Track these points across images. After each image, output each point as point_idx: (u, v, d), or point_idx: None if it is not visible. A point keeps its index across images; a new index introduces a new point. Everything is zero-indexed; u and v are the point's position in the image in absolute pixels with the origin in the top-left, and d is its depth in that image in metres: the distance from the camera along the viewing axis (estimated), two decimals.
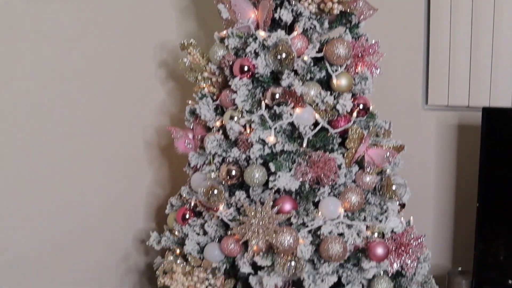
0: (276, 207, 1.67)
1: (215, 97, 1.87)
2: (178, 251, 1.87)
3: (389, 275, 1.76)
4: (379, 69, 1.83)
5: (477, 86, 2.43)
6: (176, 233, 1.93)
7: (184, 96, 2.33)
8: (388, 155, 1.73)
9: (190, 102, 1.95)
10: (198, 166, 1.86)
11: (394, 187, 1.75)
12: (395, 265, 1.77)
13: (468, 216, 2.49)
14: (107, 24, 2.03)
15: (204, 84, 1.89)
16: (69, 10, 1.87)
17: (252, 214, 1.65)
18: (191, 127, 1.92)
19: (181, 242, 1.90)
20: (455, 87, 2.49)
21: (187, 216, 1.89)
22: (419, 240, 1.81)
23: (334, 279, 1.70)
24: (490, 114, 2.23)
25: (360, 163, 1.77)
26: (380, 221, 1.79)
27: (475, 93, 2.45)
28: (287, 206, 1.68)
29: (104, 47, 2.02)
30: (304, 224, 1.69)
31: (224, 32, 1.83)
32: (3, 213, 1.71)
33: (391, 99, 2.58)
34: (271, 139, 1.67)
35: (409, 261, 1.79)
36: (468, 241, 2.47)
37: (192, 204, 1.88)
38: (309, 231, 1.67)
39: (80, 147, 1.94)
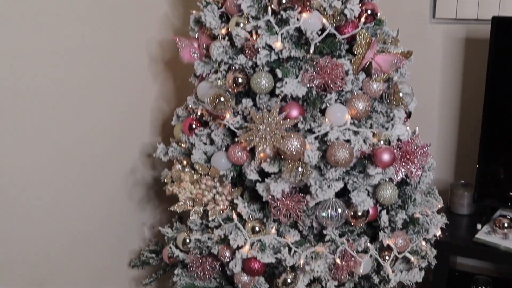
0: (283, 113, 1.66)
1: (220, 5, 1.82)
2: (185, 162, 1.88)
3: (394, 182, 1.78)
4: None
5: None
6: (183, 144, 1.94)
7: (187, 8, 2.27)
8: (395, 61, 1.71)
9: (194, 11, 1.91)
10: (204, 75, 1.84)
11: (401, 94, 1.74)
12: (400, 173, 1.79)
13: (472, 130, 2.50)
14: None
15: None
16: None
17: (259, 120, 1.64)
18: (196, 36, 1.89)
19: (188, 153, 1.91)
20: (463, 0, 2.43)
21: (194, 126, 1.89)
22: (424, 149, 1.82)
23: (340, 185, 1.71)
24: (500, 24, 2.19)
25: (367, 71, 1.75)
26: (386, 129, 1.79)
27: (485, 5, 2.40)
28: (294, 112, 1.68)
29: None
30: (311, 131, 1.69)
31: None
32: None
33: (398, 11, 2.53)
34: (278, 45, 1.65)
35: (414, 169, 1.81)
36: (471, 155, 2.49)
37: (199, 114, 1.88)
38: (316, 137, 1.67)
39: (84, 64, 1.91)
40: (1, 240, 1.70)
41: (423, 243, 1.94)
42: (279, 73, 1.66)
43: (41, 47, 1.73)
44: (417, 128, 1.90)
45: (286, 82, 1.65)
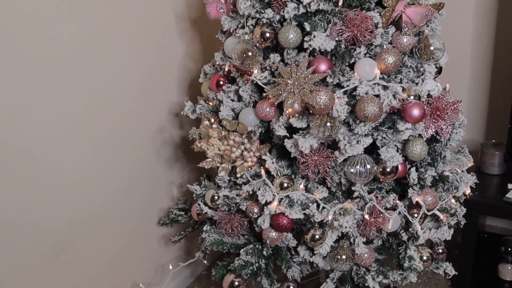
0: (312, 67, 1.64)
1: None
2: (213, 119, 1.88)
3: (424, 139, 1.75)
4: None
5: None
6: (211, 101, 1.94)
7: None
8: (427, 13, 1.67)
9: None
10: (231, 31, 1.83)
11: (432, 48, 1.70)
12: (430, 129, 1.76)
13: (505, 88, 2.44)
14: None
15: None
16: None
17: (287, 74, 1.63)
18: None
19: (215, 110, 1.91)
20: None
21: (221, 82, 1.88)
22: (455, 105, 1.78)
23: (369, 140, 1.69)
24: None
25: (397, 24, 1.71)
26: (417, 84, 1.76)
27: None
28: (323, 66, 1.66)
29: None
30: (339, 85, 1.66)
31: None
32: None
33: None
34: None
35: (444, 126, 1.78)
36: (503, 114, 2.44)
37: (226, 70, 1.87)
38: (345, 92, 1.65)
39: (112, 23, 1.91)
40: (34, 199, 1.73)
41: (453, 200, 1.91)
42: (307, 26, 1.63)
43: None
44: (447, 85, 1.86)
45: (314, 36, 1.62)
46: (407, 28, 1.69)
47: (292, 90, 1.62)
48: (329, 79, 1.65)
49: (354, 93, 1.65)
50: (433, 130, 1.77)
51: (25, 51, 1.62)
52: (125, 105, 2.03)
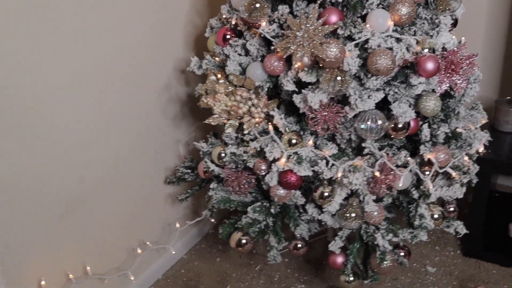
0: (322, 19, 1.57)
1: None
2: (219, 75, 1.83)
3: (438, 94, 1.69)
4: None
5: None
6: (217, 57, 1.88)
7: None
8: None
9: None
10: None
11: None
12: (444, 84, 1.70)
13: None
14: None
15: None
16: None
17: (297, 26, 1.56)
18: None
19: (222, 65, 1.85)
20: None
21: (228, 36, 1.82)
22: (470, 59, 1.72)
23: (381, 95, 1.64)
24: None
25: None
26: (431, 36, 1.69)
27: None
28: (334, 18, 1.59)
29: None
30: (350, 38, 1.60)
31: None
32: None
33: None
34: None
35: (459, 81, 1.72)
36: None
37: (233, 24, 1.80)
38: (356, 45, 1.59)
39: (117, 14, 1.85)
40: (44, 156, 1.70)
41: (466, 158, 1.86)
42: None
43: None
44: (463, 38, 1.80)
45: None
46: None
47: (301, 43, 1.56)
48: (340, 31, 1.59)
49: (366, 46, 1.59)
50: (447, 84, 1.70)
51: (32, 8, 1.57)
52: (130, 62, 1.98)
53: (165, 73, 2.18)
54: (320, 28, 1.55)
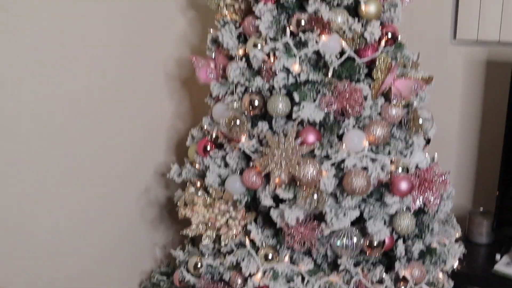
0: (300, 138, 1.62)
1: (237, 25, 1.80)
2: (199, 183, 1.85)
3: (412, 211, 1.73)
4: None
5: (509, 20, 2.33)
6: (197, 165, 1.91)
7: (205, 25, 2.25)
8: (416, 86, 1.67)
9: (211, 30, 1.89)
10: (220, 96, 1.81)
11: (420, 121, 1.70)
12: (418, 201, 1.74)
13: (493, 156, 2.44)
14: None
15: (226, 11, 1.82)
16: None
17: (275, 145, 1.61)
18: (213, 56, 1.86)
19: (202, 175, 1.88)
20: (485, 21, 2.38)
21: (208, 147, 1.86)
22: (443, 176, 1.77)
23: (356, 213, 1.67)
24: None
25: (386, 96, 1.71)
26: (405, 156, 1.74)
27: (507, 27, 2.35)
28: (311, 138, 1.64)
29: None
30: (327, 157, 1.65)
31: None
32: None
33: (418, 32, 2.49)
34: (295, 68, 1.61)
35: (432, 198, 1.76)
36: (490, 182, 2.43)
37: (214, 136, 1.85)
38: (333, 164, 1.63)
39: (101, 82, 1.90)
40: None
41: (440, 274, 1.88)
42: (296, 97, 1.62)
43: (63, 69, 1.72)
44: (436, 154, 1.85)
45: (303, 106, 1.61)
46: (396, 100, 1.68)
47: (279, 162, 1.60)
48: (317, 151, 1.63)
49: (342, 165, 1.63)
50: (421, 202, 1.74)
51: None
52: (111, 164, 2.00)
53: (146, 176, 2.19)
54: (298, 147, 1.60)
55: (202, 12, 2.24)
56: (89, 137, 1.88)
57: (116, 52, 1.95)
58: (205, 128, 1.89)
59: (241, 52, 1.75)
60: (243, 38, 1.79)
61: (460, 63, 2.50)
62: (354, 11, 1.67)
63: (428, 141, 1.88)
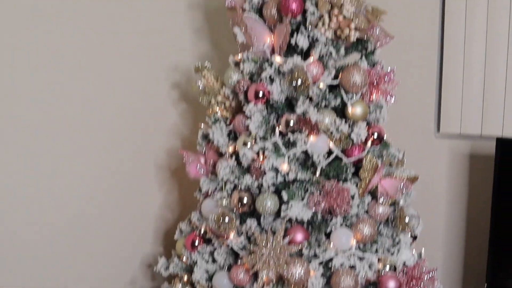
0: (288, 237, 1.63)
1: (228, 122, 1.85)
2: (186, 278, 1.84)
3: None
4: (393, 97, 1.82)
5: (490, 115, 2.40)
6: (185, 259, 1.90)
7: (196, 117, 2.31)
8: (402, 186, 1.70)
9: (202, 125, 1.93)
10: (209, 192, 1.84)
11: (407, 219, 1.72)
12: None
13: (480, 248, 2.45)
14: (120, 46, 2.02)
15: (218, 108, 1.87)
16: (84, 32, 1.87)
17: (263, 243, 1.62)
18: (203, 152, 1.90)
19: (189, 269, 1.87)
20: (467, 115, 2.45)
21: (197, 242, 1.86)
22: (430, 273, 1.77)
23: None
24: (505, 145, 2.20)
25: (373, 193, 1.74)
26: (392, 254, 1.75)
27: (488, 122, 2.43)
28: (299, 237, 1.65)
29: (117, 69, 2.02)
30: (315, 256, 1.65)
31: (239, 56, 1.82)
32: None
33: (403, 125, 2.55)
34: (284, 167, 1.65)
35: None
36: (479, 274, 2.42)
37: (202, 231, 1.85)
38: (320, 263, 1.64)
39: (90, 168, 1.92)
40: None
41: None
42: (285, 195, 1.65)
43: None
44: (423, 250, 1.87)
45: (291, 205, 1.63)
46: (382, 199, 1.71)
47: (267, 260, 1.60)
48: (305, 251, 1.64)
49: (330, 264, 1.63)
50: None
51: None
52: (98, 254, 1.99)
53: (132, 267, 2.18)
54: (285, 247, 1.61)
55: (193, 104, 2.30)
56: (78, 230, 1.88)
57: (109, 143, 1.99)
58: (194, 222, 1.89)
59: (231, 149, 1.79)
60: (233, 135, 1.83)
61: (444, 156, 2.55)
62: (341, 111, 1.73)
63: (415, 238, 1.90)
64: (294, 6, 1.66)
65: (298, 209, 1.63)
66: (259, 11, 1.77)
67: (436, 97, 2.53)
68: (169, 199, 2.32)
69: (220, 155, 1.84)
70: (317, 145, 1.66)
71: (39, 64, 1.79)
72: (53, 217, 1.86)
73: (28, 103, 1.78)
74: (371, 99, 1.76)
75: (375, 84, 1.77)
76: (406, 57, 2.48)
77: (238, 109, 1.82)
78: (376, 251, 1.72)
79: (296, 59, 1.67)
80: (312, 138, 1.66)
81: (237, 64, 1.82)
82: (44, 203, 1.84)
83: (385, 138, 1.79)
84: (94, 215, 1.96)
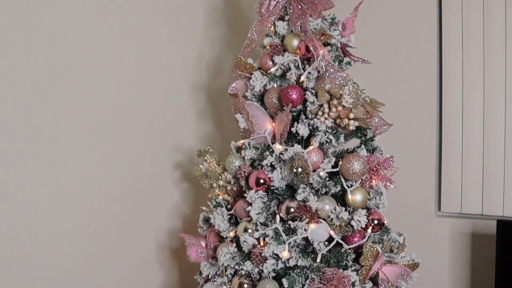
0: None
1: (229, 206, 1.87)
2: None
3: None
4: (393, 183, 1.84)
5: (491, 194, 2.43)
6: None
7: (197, 197, 2.34)
8: (403, 273, 1.70)
9: (204, 208, 1.95)
10: (209, 276, 1.84)
11: None
12: None
13: None
14: (123, 126, 2.07)
15: (219, 192, 1.90)
16: (85, 115, 1.91)
17: None
18: (204, 235, 1.91)
19: None
20: (468, 195, 2.48)
21: None
22: None
23: None
24: (506, 226, 2.20)
25: (374, 279, 1.74)
26: None
27: (489, 201, 2.44)
28: None
29: (121, 148, 2.05)
30: None
31: (241, 141, 1.85)
32: None
33: (403, 205, 2.56)
34: (285, 254, 1.66)
35: None
36: None
37: None
38: None
39: (94, 244, 1.93)
40: None
41: None
42: (285, 283, 1.65)
43: None
44: None
45: None
46: (384, 286, 1.71)
47: None
48: None
49: None
50: None
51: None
52: None
53: None
54: None
55: (195, 184, 2.33)
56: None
57: (110, 225, 2.00)
58: None
59: (232, 234, 1.80)
60: (234, 220, 1.85)
61: (446, 235, 2.55)
62: (341, 198, 1.75)
63: None
64: (295, 96, 1.72)
65: None
66: (261, 99, 1.82)
67: (436, 176, 2.56)
68: (169, 278, 2.31)
69: (221, 238, 1.85)
70: (317, 232, 1.68)
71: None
72: None
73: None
74: (371, 185, 1.79)
75: (374, 170, 1.80)
76: (404, 135, 2.53)
77: (239, 194, 1.85)
78: None
79: (297, 147, 1.70)
80: (312, 225, 1.67)
81: (238, 149, 1.86)
82: None
83: (385, 223, 1.81)
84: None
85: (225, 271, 1.77)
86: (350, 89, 1.66)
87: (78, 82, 1.87)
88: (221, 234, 1.84)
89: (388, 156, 1.83)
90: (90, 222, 1.92)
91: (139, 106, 2.12)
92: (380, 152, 1.85)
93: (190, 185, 2.35)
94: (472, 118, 2.43)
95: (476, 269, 2.50)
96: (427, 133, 2.56)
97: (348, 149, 1.83)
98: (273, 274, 1.70)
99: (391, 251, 1.83)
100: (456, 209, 2.52)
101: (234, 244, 1.78)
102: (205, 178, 1.96)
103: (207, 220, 1.91)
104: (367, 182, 1.78)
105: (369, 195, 1.78)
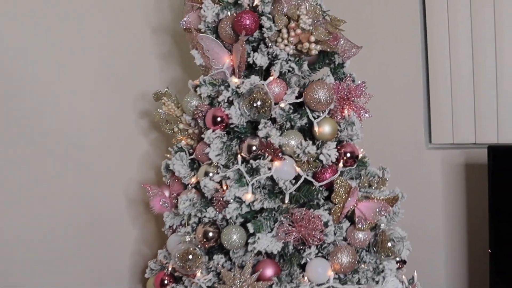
0: (257, 273, 1.49)
1: (192, 150, 1.72)
2: None
3: None
4: (368, 112, 1.68)
5: (483, 122, 2.27)
6: None
7: (170, 145, 2.20)
8: (380, 208, 1.56)
9: (168, 156, 1.81)
10: (174, 227, 1.71)
11: (389, 244, 1.58)
12: None
13: (482, 256, 2.30)
14: (83, 74, 1.91)
15: (181, 136, 1.75)
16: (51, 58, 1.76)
17: (230, 282, 1.48)
18: (168, 183, 1.77)
19: None
20: (459, 124, 2.33)
21: (166, 281, 1.73)
22: None
23: None
24: (496, 153, 2.06)
25: (352, 218, 1.60)
26: (377, 283, 1.60)
27: (481, 130, 2.29)
28: (269, 272, 1.52)
29: (82, 99, 1.90)
30: None
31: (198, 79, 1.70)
32: None
33: (393, 139, 2.42)
34: (248, 197, 1.51)
35: None
36: (482, 282, 2.27)
37: (170, 269, 1.72)
38: None
39: (62, 200, 1.81)
40: None
41: None
42: (250, 227, 1.51)
43: None
44: (415, 274, 1.73)
45: (258, 238, 1.50)
46: (361, 224, 1.57)
47: None
48: (275, 287, 1.50)
49: None
50: None
51: None
52: None
53: None
54: (254, 284, 1.47)
55: (165, 132, 2.18)
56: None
57: (78, 178, 1.88)
58: (161, 260, 1.76)
59: (193, 180, 1.66)
60: (197, 164, 1.71)
61: (438, 167, 2.41)
62: (309, 132, 1.60)
63: (404, 261, 1.75)
64: (248, 22, 1.54)
65: (267, 242, 1.50)
66: (215, 31, 1.65)
67: (424, 107, 2.41)
68: (145, 233, 2.19)
69: (185, 186, 1.72)
70: (282, 170, 1.53)
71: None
72: None
73: None
74: (342, 116, 1.63)
75: (346, 98, 1.64)
76: (390, 67, 2.37)
77: (201, 136, 1.70)
78: (358, 281, 1.57)
79: (254, 78, 1.54)
80: (276, 163, 1.52)
81: (196, 88, 1.70)
82: None
83: (360, 156, 1.66)
84: (67, 251, 1.84)
85: (188, 220, 1.63)
86: (307, 8, 1.48)
87: (36, 26, 1.72)
88: (182, 181, 1.70)
89: (359, 82, 1.66)
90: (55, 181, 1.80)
91: (97, 51, 1.96)
92: (352, 79, 1.68)
93: (160, 133, 2.20)
94: (460, 40, 2.25)
95: (471, 200, 2.37)
96: (413, 61, 2.40)
97: (313, 80, 1.66)
98: (241, 220, 1.57)
99: (370, 186, 1.68)
100: (448, 140, 2.37)
101: (194, 190, 1.64)
102: (165, 124, 1.81)
103: (168, 168, 1.77)
104: (338, 112, 1.62)
105: (339, 126, 1.61)
